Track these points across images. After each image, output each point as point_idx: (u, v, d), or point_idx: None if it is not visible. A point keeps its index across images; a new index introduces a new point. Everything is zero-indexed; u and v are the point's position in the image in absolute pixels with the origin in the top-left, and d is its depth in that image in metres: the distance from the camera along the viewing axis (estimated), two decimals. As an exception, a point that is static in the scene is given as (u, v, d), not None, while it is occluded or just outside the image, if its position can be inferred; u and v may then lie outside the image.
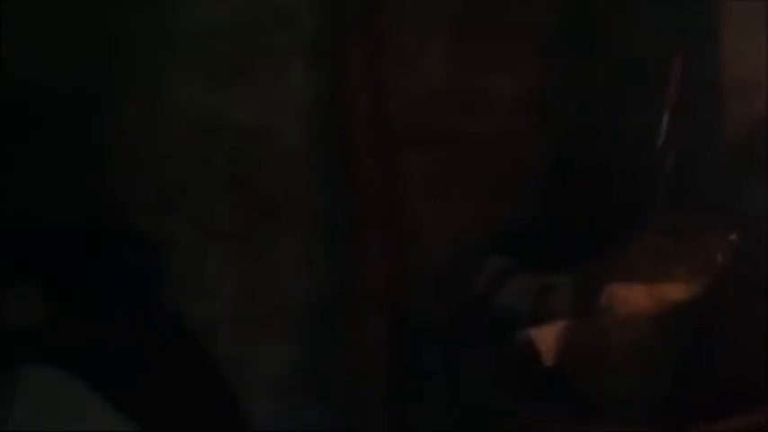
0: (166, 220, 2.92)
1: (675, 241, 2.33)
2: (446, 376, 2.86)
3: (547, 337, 2.35)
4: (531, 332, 2.38)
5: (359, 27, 2.84)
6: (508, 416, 2.47)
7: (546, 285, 2.52)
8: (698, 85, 2.59)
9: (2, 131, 2.86)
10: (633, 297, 2.27)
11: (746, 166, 2.45)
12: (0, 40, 2.77)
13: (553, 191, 2.83)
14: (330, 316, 2.90)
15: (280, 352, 2.94)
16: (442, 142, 2.90)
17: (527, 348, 2.37)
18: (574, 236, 2.62)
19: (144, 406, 2.33)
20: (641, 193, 2.56)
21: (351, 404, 2.85)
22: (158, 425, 2.33)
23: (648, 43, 2.73)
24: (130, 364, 2.37)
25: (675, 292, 2.24)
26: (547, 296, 2.50)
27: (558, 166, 2.85)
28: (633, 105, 2.76)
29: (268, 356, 2.94)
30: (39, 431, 2.25)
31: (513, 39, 2.91)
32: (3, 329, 2.38)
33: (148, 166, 2.93)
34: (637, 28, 2.78)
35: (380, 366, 2.83)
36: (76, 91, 2.89)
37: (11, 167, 2.90)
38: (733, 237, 2.27)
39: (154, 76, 2.90)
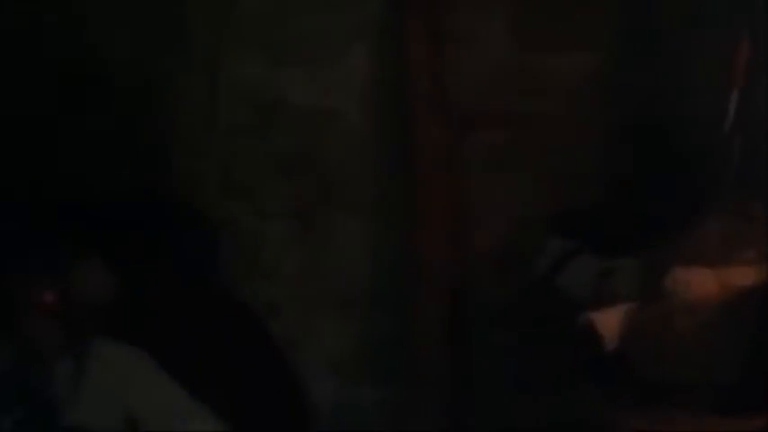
0: (227, 198, 2.94)
1: (744, 225, 2.30)
2: (507, 358, 2.86)
3: (609, 321, 2.32)
4: (594, 315, 2.35)
5: (421, 8, 2.83)
6: (568, 398, 2.46)
7: (609, 268, 2.49)
8: (765, 67, 2.55)
9: (71, 111, 2.91)
10: (700, 281, 2.23)
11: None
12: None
13: (618, 172, 2.80)
14: (390, 297, 2.90)
15: (339, 332, 2.95)
16: (504, 123, 2.87)
17: (589, 331, 2.34)
18: (639, 218, 2.59)
19: (205, 381, 2.37)
20: (709, 176, 2.53)
21: (410, 385, 2.85)
22: (219, 400, 2.36)
23: (715, 24, 2.69)
24: (193, 339, 2.40)
25: (743, 276, 2.20)
26: (610, 279, 2.47)
27: (624, 146, 2.82)
28: (700, 87, 2.72)
29: (328, 336, 2.95)
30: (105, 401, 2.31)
31: (577, 18, 2.88)
32: (75, 304, 2.44)
33: (210, 144, 2.95)
34: (703, 8, 2.74)
35: (440, 347, 2.82)
36: (141, 69, 2.92)
37: (79, 145, 2.95)
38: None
39: (217, 55, 2.92)
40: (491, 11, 2.86)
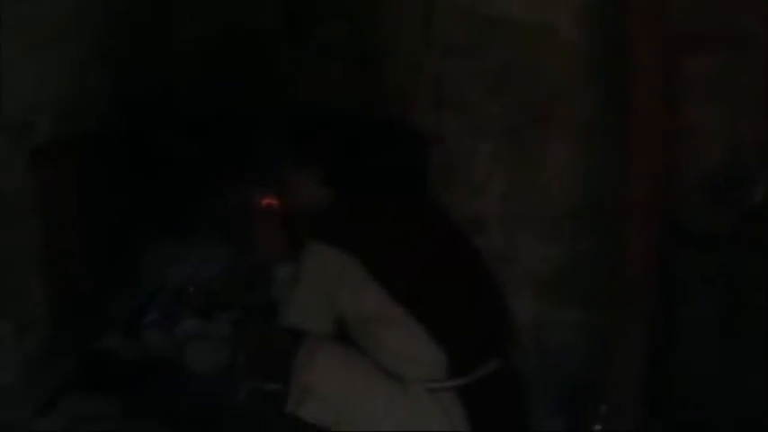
0: (440, 115, 2.96)
1: None
2: (713, 287, 2.79)
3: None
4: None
5: None
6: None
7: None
8: None
9: (294, 32, 2.99)
10: None
11: None
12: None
13: None
14: (598, 220, 2.87)
15: (543, 252, 2.94)
16: (723, 45, 2.76)
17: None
18: None
19: (411, 290, 2.42)
20: None
21: (613, 310, 2.82)
22: (424, 310, 2.41)
23: None
24: (401, 249, 2.46)
25: None
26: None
27: None
28: None
29: (533, 255, 2.95)
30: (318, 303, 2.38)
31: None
32: (296, 211, 2.53)
33: (424, 60, 2.96)
34: None
35: (647, 274, 2.77)
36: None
37: (301, 63, 3.03)
38: None
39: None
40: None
